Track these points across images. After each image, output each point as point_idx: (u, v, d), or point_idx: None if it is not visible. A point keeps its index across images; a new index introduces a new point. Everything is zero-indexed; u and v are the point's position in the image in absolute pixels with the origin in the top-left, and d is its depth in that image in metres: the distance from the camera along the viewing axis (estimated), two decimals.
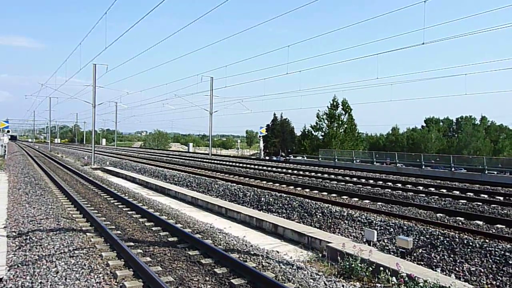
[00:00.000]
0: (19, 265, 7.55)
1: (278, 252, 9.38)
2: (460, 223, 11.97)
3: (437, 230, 10.26)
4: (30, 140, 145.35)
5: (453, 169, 29.75)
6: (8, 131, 54.10)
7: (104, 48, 24.85)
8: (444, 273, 8.16)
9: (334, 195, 17.07)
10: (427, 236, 10.03)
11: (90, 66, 37.45)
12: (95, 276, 6.86)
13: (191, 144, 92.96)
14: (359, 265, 7.71)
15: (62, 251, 8.25)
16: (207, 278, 6.98)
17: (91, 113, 39.67)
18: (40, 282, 6.58)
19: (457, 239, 9.52)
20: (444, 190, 18.61)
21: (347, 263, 7.82)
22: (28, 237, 9.49)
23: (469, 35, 12.79)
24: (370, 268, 7.61)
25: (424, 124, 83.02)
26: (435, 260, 8.93)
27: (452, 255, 8.99)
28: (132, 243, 9.09)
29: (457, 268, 8.46)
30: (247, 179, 23.04)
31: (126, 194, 16.82)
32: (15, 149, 65.05)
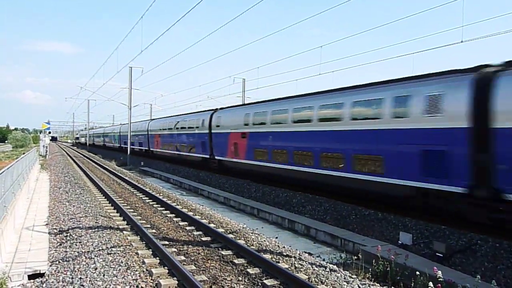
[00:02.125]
0: (60, 261, 7.87)
1: (310, 253, 9.32)
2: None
3: (477, 235, 9.88)
4: (69, 141, 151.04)
5: None
6: (50, 133, 56.48)
7: (140, 51, 25.47)
8: (484, 279, 7.85)
9: None
10: (465, 241, 9.69)
11: (127, 69, 38.49)
12: (132, 273, 7.05)
13: None
14: (394, 269, 7.55)
15: (100, 248, 8.53)
16: (240, 278, 7.03)
17: (127, 115, 40.77)
18: (80, 278, 6.84)
19: (497, 245, 9.14)
20: None
21: (382, 267, 7.68)
22: (68, 234, 9.88)
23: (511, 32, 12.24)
24: (406, 273, 7.44)
25: None
26: (474, 266, 8.61)
27: (492, 261, 8.64)
28: (167, 242, 9.28)
29: (498, 275, 8.12)
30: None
31: (161, 194, 17.19)
32: (56, 149, 67.83)
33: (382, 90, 12.89)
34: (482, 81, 9.98)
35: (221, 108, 25.95)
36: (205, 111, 28.09)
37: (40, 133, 63.87)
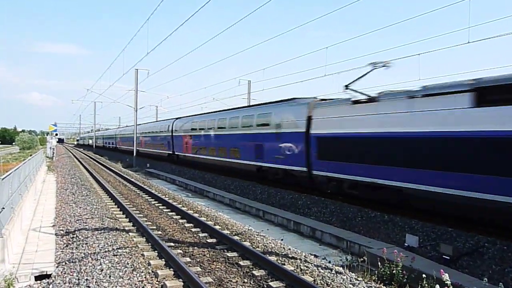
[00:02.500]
0: (67, 262, 7.91)
1: (316, 256, 9.29)
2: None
3: (484, 237, 9.80)
4: (76, 142, 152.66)
5: None
6: (56, 134, 56.85)
7: (146, 53, 25.62)
8: (492, 282, 7.79)
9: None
10: (472, 243, 9.62)
11: (133, 71, 38.76)
12: (137, 275, 7.07)
13: None
14: (400, 271, 7.51)
15: (106, 249, 8.57)
16: (246, 280, 7.02)
17: (133, 117, 40.97)
18: (86, 279, 6.87)
19: (505, 247, 9.06)
20: None
21: (388, 269, 7.64)
22: (74, 235, 9.93)
23: None
24: (412, 275, 7.39)
25: None
26: (481, 269, 8.54)
27: (500, 264, 8.56)
28: (172, 244, 9.30)
29: (505, 278, 8.05)
30: None
31: (167, 196, 17.23)
32: (63, 151, 68.23)
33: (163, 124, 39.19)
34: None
35: (127, 126, 58.82)
36: (113, 128, 68.56)
37: (47, 135, 64.48)
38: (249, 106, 27.01)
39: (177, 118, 34.90)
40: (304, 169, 16.23)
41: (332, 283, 6.88)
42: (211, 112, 28.96)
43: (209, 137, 26.08)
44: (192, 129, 29.58)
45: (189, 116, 33.09)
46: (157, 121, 44.91)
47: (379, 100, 12.80)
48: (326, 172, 15.04)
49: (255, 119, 20.24)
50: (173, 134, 33.96)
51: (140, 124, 46.86)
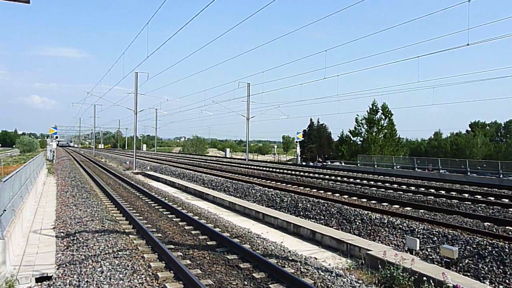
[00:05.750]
0: (67, 264, 7.91)
1: (316, 258, 9.28)
2: (510, 232, 11.38)
3: (485, 240, 9.80)
4: (76, 145, 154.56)
5: (501, 176, 28.29)
6: (57, 137, 56.91)
7: (146, 57, 25.81)
8: (493, 285, 7.79)
9: (373, 201, 16.70)
10: (474, 246, 9.61)
11: (132, 75, 38.87)
12: (138, 277, 7.07)
13: (228, 150, 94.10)
14: (401, 274, 7.50)
15: (106, 252, 8.56)
16: (246, 283, 7.02)
17: (132, 120, 41.19)
18: (87, 281, 6.86)
19: (507, 250, 9.05)
20: (492, 198, 17.75)
21: (388, 272, 7.63)
22: (75, 237, 9.92)
23: None
24: (413, 278, 7.38)
25: (469, 129, 79.56)
26: (482, 272, 8.53)
27: (501, 267, 8.55)
28: (172, 246, 9.29)
29: (507, 281, 8.04)
30: (284, 184, 22.99)
31: (166, 198, 17.22)
32: (63, 154, 68.23)
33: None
34: None
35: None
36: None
37: (47, 138, 64.67)
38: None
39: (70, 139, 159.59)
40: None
41: (333, 285, 6.88)
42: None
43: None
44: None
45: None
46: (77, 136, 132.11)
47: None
48: None
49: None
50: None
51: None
